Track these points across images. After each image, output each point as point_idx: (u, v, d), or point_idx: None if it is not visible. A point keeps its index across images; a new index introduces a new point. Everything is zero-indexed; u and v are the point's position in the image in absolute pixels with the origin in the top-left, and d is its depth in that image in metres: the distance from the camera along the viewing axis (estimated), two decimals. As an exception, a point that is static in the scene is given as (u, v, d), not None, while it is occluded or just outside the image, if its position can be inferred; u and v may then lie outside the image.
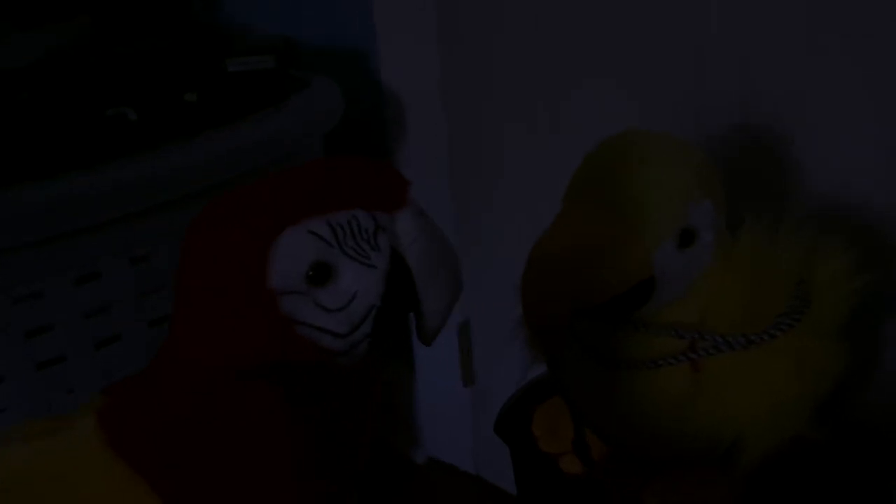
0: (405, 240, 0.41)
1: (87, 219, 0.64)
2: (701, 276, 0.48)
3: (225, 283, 0.39)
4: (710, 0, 0.63)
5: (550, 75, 0.76)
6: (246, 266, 0.38)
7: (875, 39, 0.57)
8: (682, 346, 0.49)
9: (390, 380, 1.09)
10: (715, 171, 0.48)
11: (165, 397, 0.39)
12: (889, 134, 0.58)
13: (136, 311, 0.69)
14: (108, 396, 0.41)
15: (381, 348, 0.42)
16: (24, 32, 0.78)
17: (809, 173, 0.62)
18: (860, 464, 0.55)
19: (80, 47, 0.74)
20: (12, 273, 0.62)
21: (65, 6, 0.79)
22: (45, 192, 0.62)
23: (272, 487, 0.36)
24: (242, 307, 0.38)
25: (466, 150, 0.87)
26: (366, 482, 0.91)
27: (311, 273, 0.39)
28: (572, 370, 0.53)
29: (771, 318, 0.48)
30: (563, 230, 0.46)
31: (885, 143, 0.59)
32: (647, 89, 0.70)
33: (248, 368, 0.38)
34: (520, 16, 0.77)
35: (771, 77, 0.62)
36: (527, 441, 0.62)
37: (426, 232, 0.42)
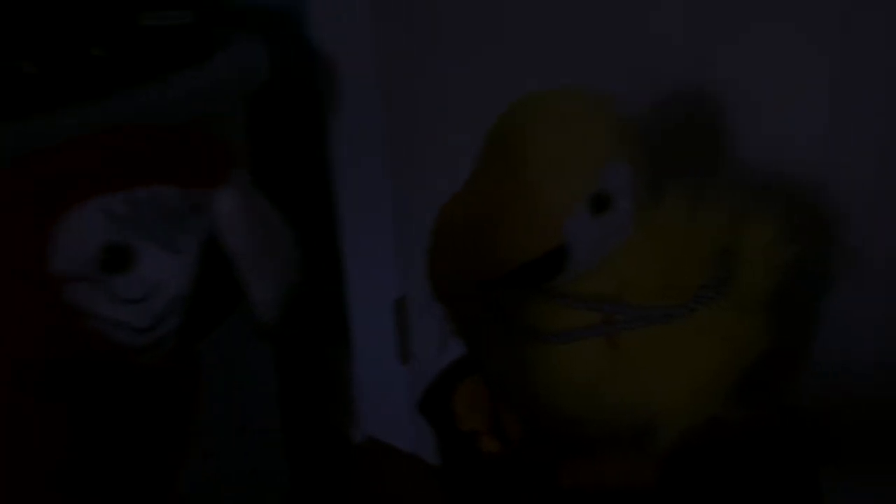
0: (224, 222, 0.36)
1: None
2: (619, 245, 0.45)
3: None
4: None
5: (491, 35, 0.73)
6: (23, 246, 0.34)
7: (815, 8, 0.54)
8: (598, 320, 0.46)
9: (328, 358, 1.05)
10: (634, 130, 0.45)
11: None
12: (827, 105, 0.56)
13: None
14: None
15: (194, 345, 0.38)
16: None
17: (745, 142, 0.60)
18: (785, 447, 0.53)
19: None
20: None
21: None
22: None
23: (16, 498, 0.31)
24: (18, 293, 0.34)
25: (402, 116, 0.83)
26: (304, 463, 0.88)
27: (103, 257, 0.34)
28: (486, 343, 0.50)
29: (692, 291, 0.45)
30: (469, 196, 0.43)
31: (822, 114, 0.56)
32: (586, 54, 0.67)
33: (25, 363, 0.34)
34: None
35: (711, 46, 0.60)
36: (447, 420, 0.59)
37: (250, 213, 0.37)
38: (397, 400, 0.99)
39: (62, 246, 0.34)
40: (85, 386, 0.34)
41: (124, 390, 0.35)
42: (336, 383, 1.06)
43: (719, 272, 0.45)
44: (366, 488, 1.00)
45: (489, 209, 0.42)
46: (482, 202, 0.42)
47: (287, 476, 0.92)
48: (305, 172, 0.97)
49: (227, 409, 0.81)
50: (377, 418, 1.03)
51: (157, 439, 0.37)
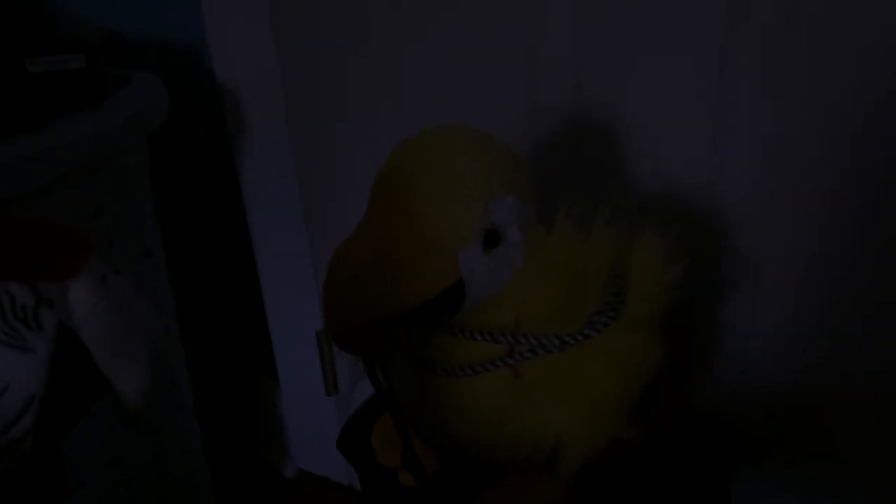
0: (80, 313, 0.35)
1: None
2: (513, 276, 0.46)
3: None
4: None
5: (391, 64, 0.73)
6: None
7: (700, 27, 0.56)
8: (501, 351, 0.46)
9: (255, 393, 1.04)
10: (520, 163, 0.45)
11: None
12: (713, 119, 0.58)
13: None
14: None
15: (54, 443, 0.36)
16: None
17: (634, 163, 0.61)
18: (692, 453, 0.55)
19: None
20: None
21: None
22: None
23: None
24: None
25: (311, 145, 0.83)
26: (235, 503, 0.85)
27: None
28: (395, 378, 0.50)
29: (586, 316, 0.46)
30: (362, 236, 0.43)
31: (707, 129, 0.58)
32: (481, 81, 0.67)
33: None
34: (353, 3, 0.73)
35: (600, 65, 0.61)
36: (367, 455, 0.59)
37: (106, 301, 0.35)
38: (327, 431, 0.98)
39: None
40: None
41: None
42: (265, 418, 1.04)
43: (611, 296, 0.46)
44: (301, 523, 0.98)
45: (382, 251, 0.42)
46: (375, 244, 0.42)
47: (217, 519, 0.90)
48: (218, 207, 0.96)
49: (148, 455, 0.79)
50: (308, 451, 1.02)
51: None
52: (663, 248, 0.48)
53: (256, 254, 0.92)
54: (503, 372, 0.47)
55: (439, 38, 0.69)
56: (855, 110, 0.53)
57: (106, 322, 0.35)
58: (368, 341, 0.44)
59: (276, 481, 1.03)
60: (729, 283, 0.62)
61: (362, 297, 0.42)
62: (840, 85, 0.53)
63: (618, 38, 0.59)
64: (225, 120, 0.85)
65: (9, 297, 0.33)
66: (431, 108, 0.71)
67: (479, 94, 0.68)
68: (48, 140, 0.65)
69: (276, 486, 1.02)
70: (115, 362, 0.35)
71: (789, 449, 0.63)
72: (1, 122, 0.64)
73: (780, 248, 0.59)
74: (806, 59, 0.53)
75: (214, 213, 0.96)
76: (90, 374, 0.35)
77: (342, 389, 0.95)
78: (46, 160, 0.64)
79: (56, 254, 0.35)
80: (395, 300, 0.42)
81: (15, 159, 0.63)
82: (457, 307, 0.45)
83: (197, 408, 0.86)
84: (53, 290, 0.34)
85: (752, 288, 0.61)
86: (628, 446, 0.48)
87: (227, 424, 1.05)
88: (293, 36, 0.78)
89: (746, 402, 0.63)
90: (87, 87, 0.70)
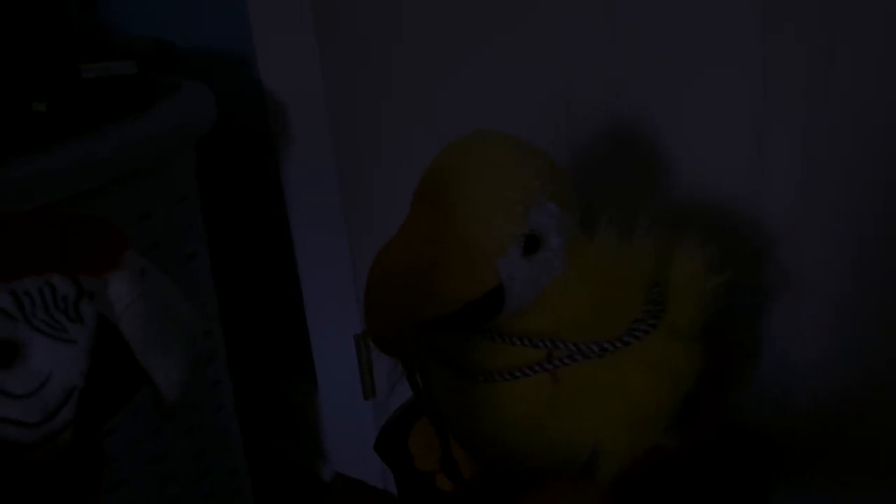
0: (119, 307, 0.35)
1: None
2: (553, 282, 0.46)
3: None
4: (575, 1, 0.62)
5: (431, 72, 0.74)
6: None
7: (739, 36, 0.56)
8: (539, 356, 0.47)
9: (293, 396, 1.05)
10: (561, 172, 0.46)
11: None
12: (752, 128, 0.58)
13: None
14: None
15: (93, 434, 0.36)
16: None
17: (677, 171, 0.61)
18: (732, 465, 0.54)
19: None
20: None
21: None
22: None
23: None
24: None
25: (354, 152, 0.84)
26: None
27: None
28: (433, 383, 0.51)
29: (626, 323, 0.46)
30: (404, 240, 0.44)
31: (749, 138, 0.58)
32: (520, 89, 0.68)
33: None
34: (395, 11, 0.74)
35: (638, 76, 0.61)
36: (404, 459, 0.60)
37: (145, 295, 0.36)
38: (365, 435, 0.98)
39: None
40: None
41: (14, 490, 0.34)
42: (303, 421, 1.05)
43: (651, 305, 0.46)
44: (337, 526, 0.99)
45: (424, 255, 0.43)
46: (416, 249, 0.43)
47: (256, 519, 0.91)
48: (260, 212, 0.98)
49: (189, 455, 0.81)
50: (346, 454, 1.03)
51: None
52: (704, 257, 0.48)
53: (297, 257, 0.94)
54: (541, 378, 0.47)
55: (479, 45, 0.69)
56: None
57: (145, 315, 0.36)
58: (408, 345, 0.44)
59: (312, 484, 1.04)
60: (770, 295, 0.61)
61: (402, 301, 0.43)
62: (887, 95, 0.52)
63: (658, 47, 0.59)
64: (269, 127, 0.87)
65: (50, 288, 0.34)
66: (471, 116, 0.72)
67: (518, 102, 0.68)
68: (100, 144, 0.67)
69: (312, 489, 1.03)
70: (154, 355, 0.36)
71: (831, 464, 0.62)
72: (56, 125, 0.66)
73: (823, 260, 0.58)
74: (850, 69, 0.52)
75: (257, 217, 0.98)
76: (129, 366, 0.36)
77: (380, 393, 0.96)
78: (98, 164, 0.67)
79: (97, 248, 0.35)
80: (435, 304, 0.43)
81: (68, 163, 0.65)
82: (496, 312, 0.45)
83: (237, 409, 0.87)
84: (94, 282, 0.35)
85: (794, 300, 0.60)
86: (667, 455, 0.47)
87: (265, 427, 1.07)
88: (337, 45, 0.80)
89: (788, 416, 0.62)
90: (138, 93, 0.72)
